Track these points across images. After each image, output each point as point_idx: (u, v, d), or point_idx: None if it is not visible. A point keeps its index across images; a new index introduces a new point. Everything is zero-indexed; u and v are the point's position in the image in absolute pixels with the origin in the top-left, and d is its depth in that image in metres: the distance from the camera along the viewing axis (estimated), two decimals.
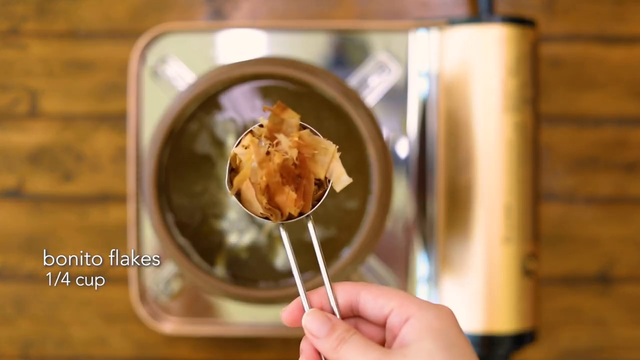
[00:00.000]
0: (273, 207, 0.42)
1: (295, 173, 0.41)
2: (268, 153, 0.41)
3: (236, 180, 0.41)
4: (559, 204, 0.75)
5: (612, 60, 0.75)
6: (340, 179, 0.42)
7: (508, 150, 0.67)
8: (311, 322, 0.41)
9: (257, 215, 0.42)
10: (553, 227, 0.75)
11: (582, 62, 0.75)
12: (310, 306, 0.42)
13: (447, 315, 0.41)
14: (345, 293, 0.42)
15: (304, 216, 0.42)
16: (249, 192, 0.41)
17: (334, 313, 0.42)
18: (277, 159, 0.41)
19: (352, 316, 0.43)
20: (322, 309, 0.42)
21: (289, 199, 0.41)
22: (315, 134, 0.42)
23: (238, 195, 0.42)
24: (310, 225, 0.42)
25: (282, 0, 0.74)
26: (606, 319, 0.75)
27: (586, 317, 0.75)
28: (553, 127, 0.75)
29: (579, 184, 0.75)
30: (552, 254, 0.75)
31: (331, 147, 0.42)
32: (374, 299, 0.41)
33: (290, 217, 0.42)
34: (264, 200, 0.41)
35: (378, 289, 0.42)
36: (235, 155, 0.42)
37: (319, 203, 0.42)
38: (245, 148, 0.41)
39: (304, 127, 0.42)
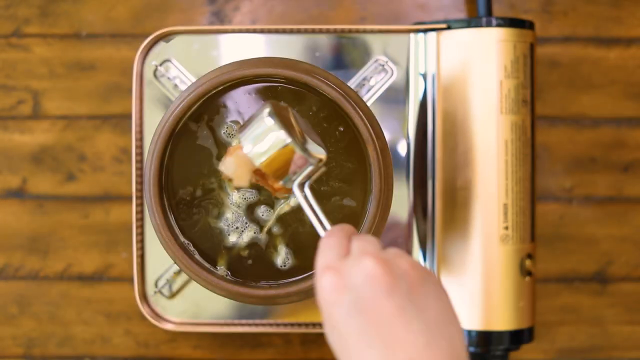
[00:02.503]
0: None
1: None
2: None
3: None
4: (557, 204, 0.76)
5: (609, 62, 0.75)
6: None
7: (506, 150, 0.67)
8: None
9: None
10: (551, 227, 0.75)
11: (580, 63, 0.75)
12: None
13: None
14: None
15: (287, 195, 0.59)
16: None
17: None
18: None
19: None
20: None
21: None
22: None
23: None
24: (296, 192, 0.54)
25: (283, 2, 0.75)
26: (604, 318, 0.76)
27: (584, 316, 0.76)
28: (550, 128, 0.75)
29: (577, 184, 0.76)
30: (550, 253, 0.75)
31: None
32: None
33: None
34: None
35: None
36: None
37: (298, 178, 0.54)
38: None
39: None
